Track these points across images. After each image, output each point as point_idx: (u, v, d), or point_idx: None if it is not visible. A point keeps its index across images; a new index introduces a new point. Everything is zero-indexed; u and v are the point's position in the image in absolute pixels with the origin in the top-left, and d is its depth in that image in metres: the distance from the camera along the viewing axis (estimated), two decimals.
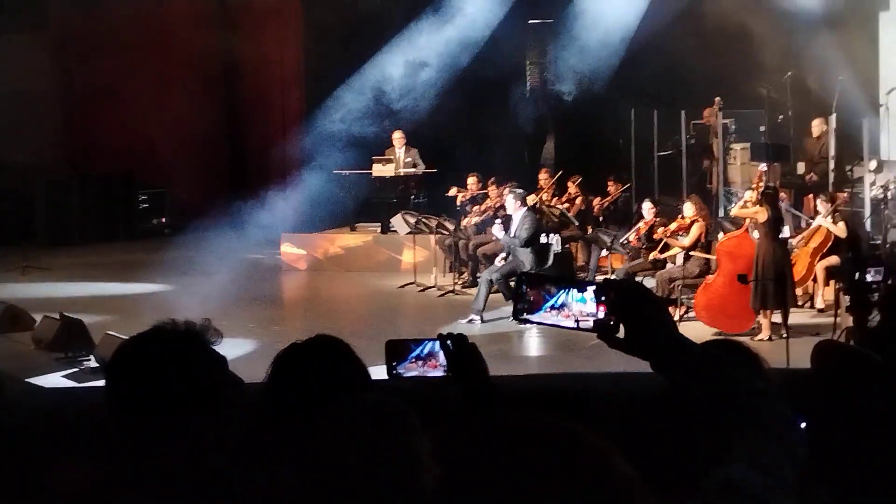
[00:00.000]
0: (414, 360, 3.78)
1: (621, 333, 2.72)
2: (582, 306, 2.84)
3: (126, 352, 3.03)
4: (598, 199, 19.15)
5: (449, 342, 3.64)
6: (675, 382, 2.54)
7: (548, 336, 14.77)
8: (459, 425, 2.49)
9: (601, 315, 2.79)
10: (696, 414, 2.54)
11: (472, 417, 3.34)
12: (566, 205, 18.82)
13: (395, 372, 3.78)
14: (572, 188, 19.15)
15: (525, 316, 2.93)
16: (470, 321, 15.24)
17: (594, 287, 2.85)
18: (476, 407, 3.46)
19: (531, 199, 17.76)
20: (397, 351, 3.80)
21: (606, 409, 4.72)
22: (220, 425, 2.96)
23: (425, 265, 18.75)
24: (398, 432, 2.73)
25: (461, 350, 3.63)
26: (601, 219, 18.84)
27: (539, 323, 2.94)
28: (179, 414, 2.90)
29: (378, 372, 3.71)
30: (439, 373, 3.72)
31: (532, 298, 2.92)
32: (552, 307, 2.89)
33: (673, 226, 15.57)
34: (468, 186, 19.54)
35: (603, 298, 2.79)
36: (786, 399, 2.47)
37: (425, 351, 3.77)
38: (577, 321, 2.85)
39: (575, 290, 2.88)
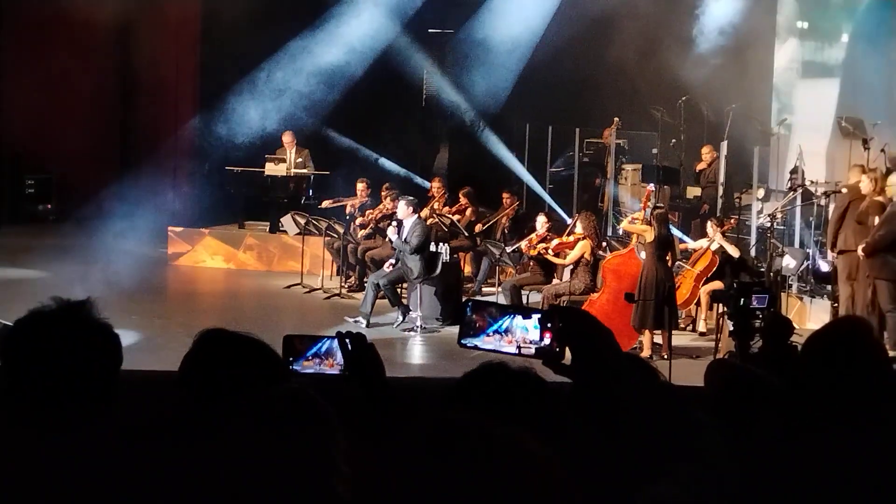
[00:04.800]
0: (311, 357, 3.74)
1: (567, 360, 2.73)
2: (525, 334, 2.83)
3: (18, 332, 2.97)
4: (498, 214, 19.11)
5: (347, 341, 3.60)
6: (619, 407, 2.54)
7: (431, 344, 14.79)
8: (359, 425, 2.43)
9: (546, 342, 2.78)
10: (630, 436, 2.54)
11: (369, 417, 3.31)
12: (456, 215, 18.83)
13: (291, 368, 3.74)
14: (463, 199, 19.16)
15: (467, 340, 2.92)
16: (356, 321, 15.22)
17: (539, 314, 2.85)
18: (373, 406, 3.43)
19: (424, 213, 17.76)
20: (294, 347, 3.76)
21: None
22: (117, 407, 2.91)
23: (313, 267, 18.66)
24: (317, 428, 2.67)
25: (359, 349, 3.59)
26: (506, 230, 18.81)
27: (480, 348, 2.92)
28: (75, 394, 2.85)
29: None
30: (336, 371, 3.69)
31: (477, 323, 2.91)
32: (496, 332, 2.88)
33: (554, 242, 15.58)
34: (357, 192, 19.44)
35: (549, 326, 2.78)
36: (721, 431, 2.49)
37: (323, 349, 3.73)
38: (518, 347, 2.85)
39: (519, 317, 2.87)
